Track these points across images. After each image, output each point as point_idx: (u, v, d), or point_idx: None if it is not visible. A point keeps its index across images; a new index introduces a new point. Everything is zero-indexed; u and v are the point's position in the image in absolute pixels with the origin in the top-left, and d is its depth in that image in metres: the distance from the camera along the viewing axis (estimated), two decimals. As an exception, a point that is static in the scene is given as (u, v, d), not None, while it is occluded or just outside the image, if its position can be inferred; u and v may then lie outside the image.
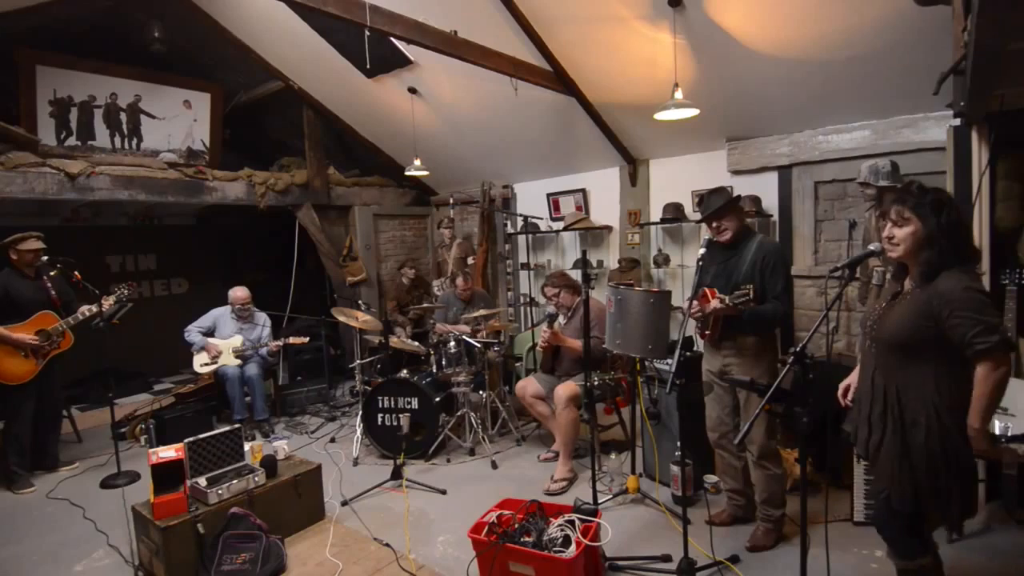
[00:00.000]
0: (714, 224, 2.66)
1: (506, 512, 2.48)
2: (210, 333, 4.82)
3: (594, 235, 5.81)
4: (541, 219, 6.07)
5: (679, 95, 3.42)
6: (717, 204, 2.62)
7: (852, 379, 2.10)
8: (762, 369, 2.61)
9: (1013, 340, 2.77)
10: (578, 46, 4.10)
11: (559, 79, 4.41)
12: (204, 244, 7.65)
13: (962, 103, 2.46)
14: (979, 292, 1.67)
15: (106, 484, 3.77)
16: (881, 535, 1.95)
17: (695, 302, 2.60)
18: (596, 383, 3.50)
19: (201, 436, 2.97)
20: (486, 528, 2.40)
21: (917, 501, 1.76)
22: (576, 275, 3.57)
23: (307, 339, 5.02)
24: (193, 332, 4.75)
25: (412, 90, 5.23)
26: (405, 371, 4.32)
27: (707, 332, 2.70)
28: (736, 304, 2.45)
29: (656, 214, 5.16)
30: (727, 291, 2.56)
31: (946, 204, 1.73)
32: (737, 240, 2.65)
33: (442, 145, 6.00)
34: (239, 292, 4.92)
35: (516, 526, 2.37)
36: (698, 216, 4.80)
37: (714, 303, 2.50)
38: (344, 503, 3.36)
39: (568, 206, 5.93)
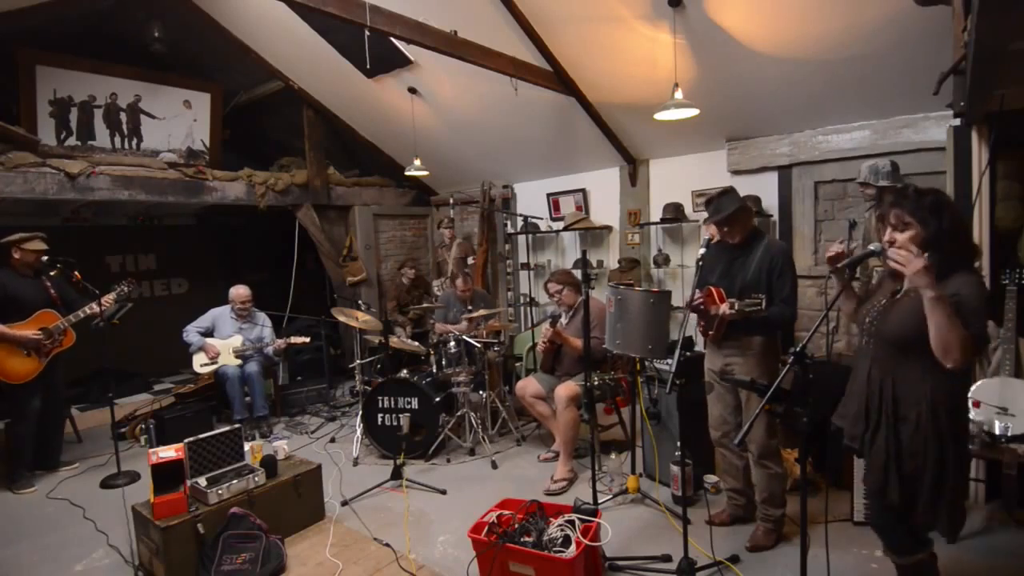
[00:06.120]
0: (725, 228, 2.64)
1: (506, 512, 2.48)
2: (209, 333, 4.81)
3: (594, 235, 5.81)
4: (541, 219, 6.07)
5: (679, 95, 3.42)
6: (729, 209, 2.57)
7: None
8: (764, 369, 2.60)
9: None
10: (578, 46, 4.10)
11: (559, 79, 4.40)
12: (204, 244, 7.64)
13: (962, 103, 2.46)
14: (987, 300, 1.70)
15: (106, 484, 3.77)
16: (875, 530, 1.98)
17: (700, 296, 2.59)
18: (596, 383, 3.50)
19: (201, 436, 2.97)
20: (486, 528, 2.40)
21: (903, 496, 1.77)
22: (577, 275, 3.57)
23: (308, 339, 5.02)
24: (191, 332, 4.74)
25: (412, 90, 5.24)
26: (405, 371, 4.32)
27: (710, 332, 2.69)
28: (746, 312, 2.44)
29: (656, 214, 5.16)
30: (733, 292, 2.55)
31: (945, 206, 1.73)
32: (745, 241, 2.65)
33: (442, 145, 6.00)
34: (240, 290, 4.92)
35: (516, 526, 2.37)
36: (698, 216, 4.86)
37: (723, 308, 2.49)
38: (344, 503, 3.36)
39: (568, 206, 5.93)
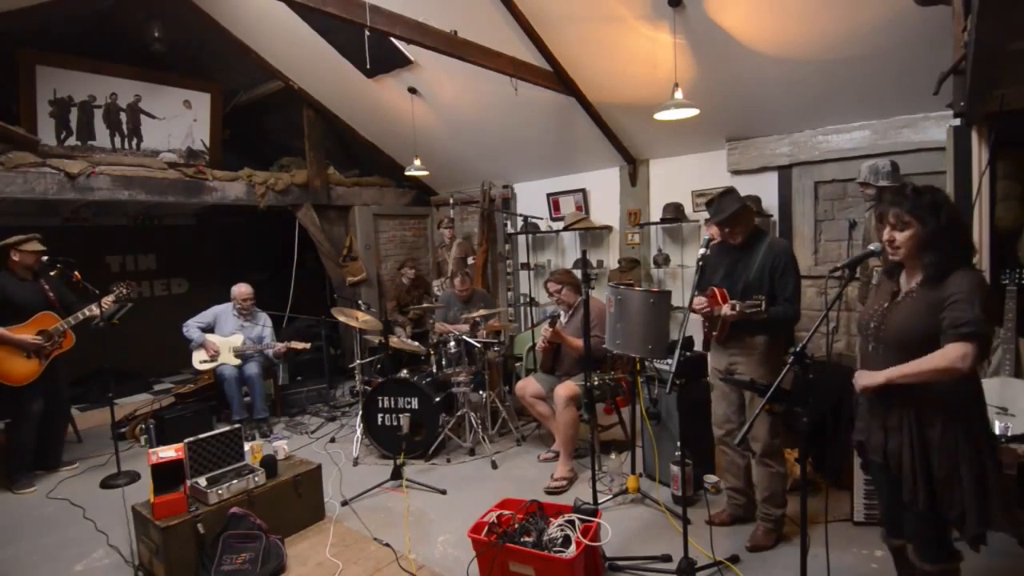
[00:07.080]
0: (727, 229, 2.64)
1: (506, 512, 2.48)
2: (210, 329, 4.81)
3: (594, 235, 5.81)
4: (541, 219, 6.07)
5: (679, 95, 3.43)
6: (731, 209, 2.57)
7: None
8: (768, 369, 2.60)
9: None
10: (578, 46, 4.10)
11: (559, 79, 4.41)
12: (204, 244, 7.64)
13: (962, 103, 2.46)
14: (988, 291, 1.69)
15: (106, 484, 3.77)
16: (910, 541, 1.89)
17: (704, 298, 2.59)
18: (596, 383, 3.50)
19: (201, 436, 2.97)
20: (486, 528, 2.40)
21: (934, 501, 1.74)
22: (577, 275, 3.57)
23: (309, 345, 5.01)
24: (192, 328, 4.72)
25: (412, 90, 5.24)
26: (405, 371, 4.32)
27: (714, 333, 2.69)
28: (747, 312, 2.45)
29: (656, 214, 5.16)
30: (736, 292, 2.56)
31: (943, 204, 1.72)
32: (747, 241, 2.65)
33: (442, 145, 6.00)
34: (242, 288, 4.92)
35: (516, 526, 2.36)
36: (698, 216, 4.86)
37: (725, 309, 2.50)
38: (344, 503, 3.36)
39: (568, 206, 5.93)
